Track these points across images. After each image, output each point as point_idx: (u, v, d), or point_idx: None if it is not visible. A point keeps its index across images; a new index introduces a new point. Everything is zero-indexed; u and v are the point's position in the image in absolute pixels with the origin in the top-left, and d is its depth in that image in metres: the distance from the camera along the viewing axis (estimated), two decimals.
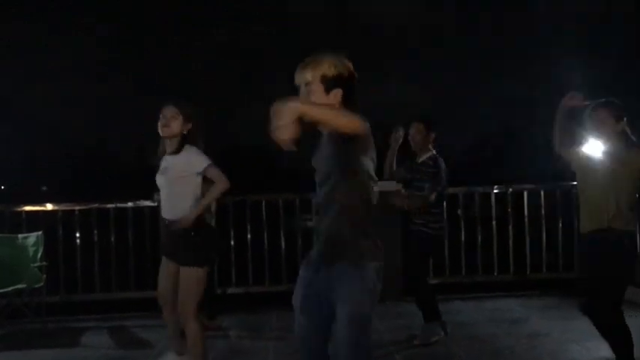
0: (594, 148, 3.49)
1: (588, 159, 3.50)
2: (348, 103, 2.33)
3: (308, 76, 2.29)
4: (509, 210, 6.32)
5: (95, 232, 6.00)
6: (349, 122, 2.16)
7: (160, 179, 3.67)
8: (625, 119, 3.43)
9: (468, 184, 6.58)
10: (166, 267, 3.69)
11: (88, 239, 6.00)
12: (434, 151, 4.60)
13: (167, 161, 3.64)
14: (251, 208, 6.11)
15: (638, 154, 3.37)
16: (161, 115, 3.61)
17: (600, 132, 3.43)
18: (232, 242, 6.04)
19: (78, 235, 5.97)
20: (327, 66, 2.29)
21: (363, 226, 2.36)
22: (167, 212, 3.65)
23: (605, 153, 3.43)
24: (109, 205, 6.02)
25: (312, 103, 2.21)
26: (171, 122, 3.59)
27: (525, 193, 6.25)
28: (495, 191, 6.35)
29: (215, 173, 3.57)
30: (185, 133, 3.62)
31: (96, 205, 6.08)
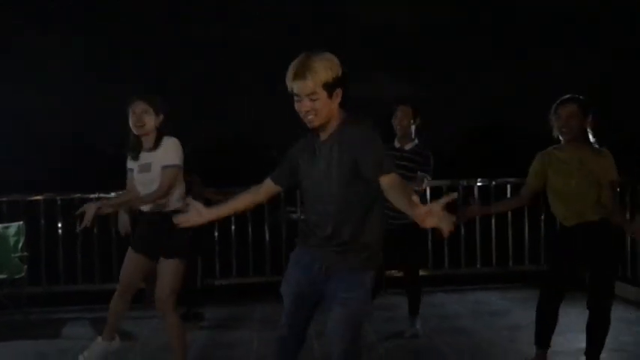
0: (562, 146, 3.49)
1: (564, 156, 3.48)
2: (344, 98, 2.40)
3: (310, 86, 2.29)
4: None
5: (78, 222, 5.93)
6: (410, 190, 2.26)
7: (140, 177, 3.54)
8: (590, 117, 3.44)
9: (452, 176, 6.62)
10: (136, 260, 3.59)
11: (71, 229, 5.94)
12: (417, 141, 4.53)
13: (146, 158, 3.52)
14: None
15: (605, 165, 3.41)
16: (131, 113, 3.47)
17: (568, 127, 3.41)
18: (216, 234, 6.02)
19: (60, 225, 5.92)
20: (325, 72, 2.30)
21: (367, 234, 2.44)
22: (153, 205, 3.53)
23: (580, 149, 3.43)
24: (92, 196, 5.96)
25: (408, 194, 2.22)
26: (144, 119, 3.46)
27: (509, 187, 6.30)
28: (479, 184, 6.38)
29: (163, 178, 3.44)
30: (158, 126, 3.50)
31: (78, 195, 6.02)
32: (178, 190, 3.56)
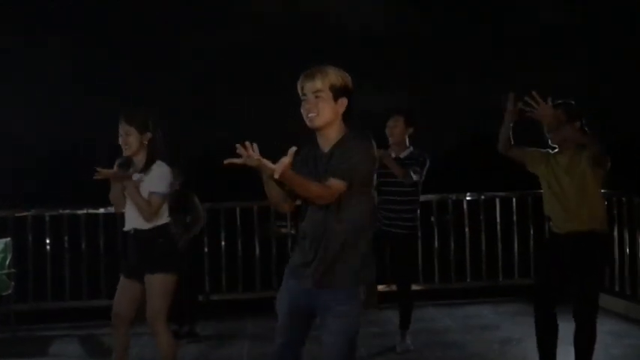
0: (558, 151, 3.57)
1: (556, 162, 3.57)
2: (348, 113, 2.48)
3: (318, 85, 2.41)
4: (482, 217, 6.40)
5: (66, 238, 5.90)
6: (320, 196, 2.32)
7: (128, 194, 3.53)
8: (581, 121, 3.51)
9: (442, 190, 6.65)
10: (127, 288, 3.57)
11: (59, 246, 5.89)
12: (412, 148, 4.55)
13: (135, 177, 3.53)
14: (225, 214, 6.08)
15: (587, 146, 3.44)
16: (119, 134, 3.52)
17: (555, 132, 3.51)
18: (206, 249, 5.99)
19: (48, 241, 5.87)
20: (335, 76, 2.43)
21: (358, 249, 2.46)
22: (138, 223, 3.54)
23: (567, 156, 3.51)
24: (80, 212, 5.93)
25: (294, 175, 2.27)
26: (128, 140, 3.47)
27: (497, 200, 6.34)
28: (468, 198, 6.42)
29: (152, 202, 3.46)
30: (146, 142, 3.50)
31: (67, 211, 5.99)
32: (164, 210, 3.57)
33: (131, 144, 3.48)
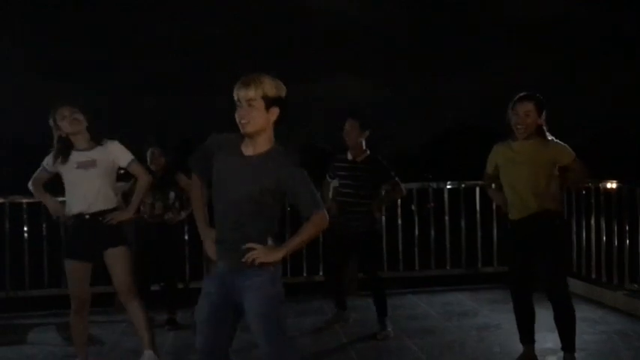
0: (519, 141, 3.64)
1: (513, 151, 3.66)
2: (281, 121, 2.58)
3: (251, 94, 2.49)
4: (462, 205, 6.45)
5: (44, 225, 5.82)
6: (318, 231, 2.55)
7: (82, 173, 3.61)
8: (544, 113, 3.60)
9: (422, 179, 6.70)
10: (81, 271, 3.66)
11: (37, 233, 5.82)
12: (368, 152, 4.65)
13: (87, 155, 3.62)
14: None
15: (560, 149, 3.59)
16: (59, 117, 3.60)
17: (524, 124, 3.56)
18: (187, 237, 5.96)
19: (26, 228, 5.79)
20: (269, 87, 2.51)
21: (271, 232, 2.59)
22: (87, 206, 3.62)
23: (530, 145, 3.59)
24: (60, 199, 5.84)
25: (294, 241, 2.53)
26: (79, 118, 3.61)
27: (477, 189, 6.39)
28: (448, 187, 6.46)
29: (138, 169, 3.72)
30: (87, 125, 3.63)
31: None
32: (115, 189, 3.78)
33: (81, 121, 3.63)
